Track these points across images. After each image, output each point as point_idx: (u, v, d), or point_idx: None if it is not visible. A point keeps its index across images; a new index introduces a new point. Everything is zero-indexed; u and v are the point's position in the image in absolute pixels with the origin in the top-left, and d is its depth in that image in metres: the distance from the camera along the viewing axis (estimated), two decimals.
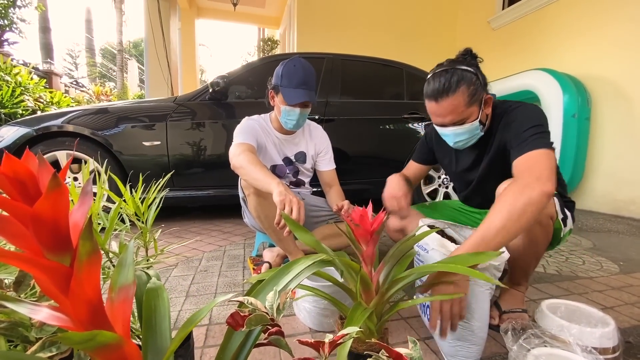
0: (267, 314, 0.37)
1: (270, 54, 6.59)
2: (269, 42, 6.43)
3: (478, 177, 1.09)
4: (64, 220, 0.28)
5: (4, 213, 0.28)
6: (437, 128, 1.00)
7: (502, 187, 0.91)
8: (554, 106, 3.11)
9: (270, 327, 0.38)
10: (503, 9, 4.42)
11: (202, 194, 2.23)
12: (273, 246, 1.46)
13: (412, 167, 1.31)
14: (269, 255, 1.39)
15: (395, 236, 1.25)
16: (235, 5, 5.89)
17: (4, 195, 0.27)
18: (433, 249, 0.88)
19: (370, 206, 0.71)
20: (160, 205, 0.68)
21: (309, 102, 1.28)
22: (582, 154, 3.18)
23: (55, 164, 2.02)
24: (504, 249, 0.85)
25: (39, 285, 0.29)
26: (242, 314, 0.35)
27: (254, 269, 1.39)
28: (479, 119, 0.93)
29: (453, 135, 0.97)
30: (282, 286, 0.43)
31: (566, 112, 3.05)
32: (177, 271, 1.44)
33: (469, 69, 0.92)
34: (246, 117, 1.38)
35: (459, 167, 1.16)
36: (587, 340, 0.72)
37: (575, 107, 3.04)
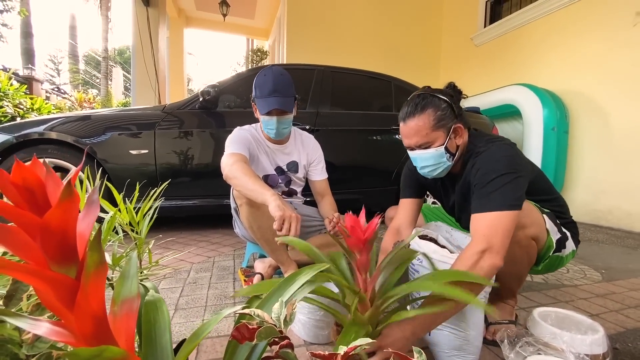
0: (274, 326, 0.36)
1: (259, 65, 6.63)
2: (259, 53, 6.47)
3: (456, 208, 1.09)
4: (72, 230, 0.27)
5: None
6: (408, 152, 1.00)
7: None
8: (534, 120, 3.25)
9: (277, 340, 0.37)
10: (485, 26, 4.61)
11: (190, 203, 2.19)
12: (264, 257, 1.44)
13: (407, 205, 1.15)
14: (260, 266, 1.37)
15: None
16: (224, 16, 5.92)
17: (9, 202, 0.26)
18: (428, 258, 0.88)
19: (362, 214, 0.70)
20: (155, 215, 0.67)
21: (285, 110, 1.27)
22: (562, 166, 3.32)
23: None
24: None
25: (41, 299, 0.28)
26: (250, 326, 0.35)
27: (245, 280, 1.36)
28: (444, 146, 0.92)
29: (419, 160, 0.97)
30: (288, 297, 0.42)
31: (546, 126, 3.19)
32: (165, 283, 1.39)
33: (442, 97, 0.93)
34: (238, 127, 1.38)
35: (446, 198, 1.15)
36: (579, 347, 0.74)
37: (554, 121, 3.17)
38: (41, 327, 0.29)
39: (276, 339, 0.37)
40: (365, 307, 0.69)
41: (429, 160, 0.95)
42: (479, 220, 0.82)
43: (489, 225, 0.79)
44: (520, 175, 0.84)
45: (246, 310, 0.36)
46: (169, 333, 0.43)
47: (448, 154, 0.93)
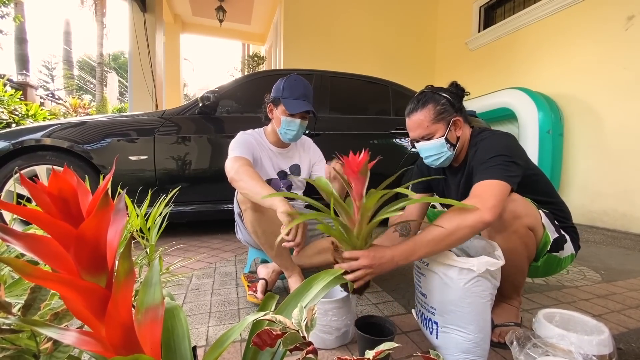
0: (297, 331, 0.36)
1: (256, 70, 6.65)
2: (256, 58, 6.49)
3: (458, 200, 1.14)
4: (104, 240, 0.27)
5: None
6: (415, 144, 1.09)
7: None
8: (530, 123, 3.29)
9: (299, 346, 0.37)
10: (479, 31, 4.68)
11: (190, 209, 2.18)
12: (266, 262, 1.44)
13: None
14: (264, 271, 1.36)
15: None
16: (221, 21, 5.94)
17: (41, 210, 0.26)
18: (433, 261, 0.89)
19: (365, 153, 0.76)
20: (165, 221, 0.67)
21: (307, 115, 1.33)
22: (558, 168, 3.36)
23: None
24: (501, 256, 0.88)
25: (69, 308, 0.28)
26: (274, 332, 0.35)
27: (248, 286, 1.35)
28: (444, 137, 1.02)
29: (423, 150, 1.06)
30: (306, 302, 0.43)
31: (541, 129, 3.23)
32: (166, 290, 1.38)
33: (442, 93, 1.04)
34: (241, 132, 1.39)
35: (449, 195, 1.20)
36: (586, 348, 0.75)
37: (550, 124, 3.22)
38: (70, 336, 0.29)
39: (297, 345, 0.37)
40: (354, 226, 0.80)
41: (431, 150, 1.04)
42: (475, 187, 0.90)
43: (485, 189, 0.87)
44: (515, 161, 0.93)
45: (269, 317, 0.37)
46: (187, 340, 0.43)
47: (448, 144, 1.03)
